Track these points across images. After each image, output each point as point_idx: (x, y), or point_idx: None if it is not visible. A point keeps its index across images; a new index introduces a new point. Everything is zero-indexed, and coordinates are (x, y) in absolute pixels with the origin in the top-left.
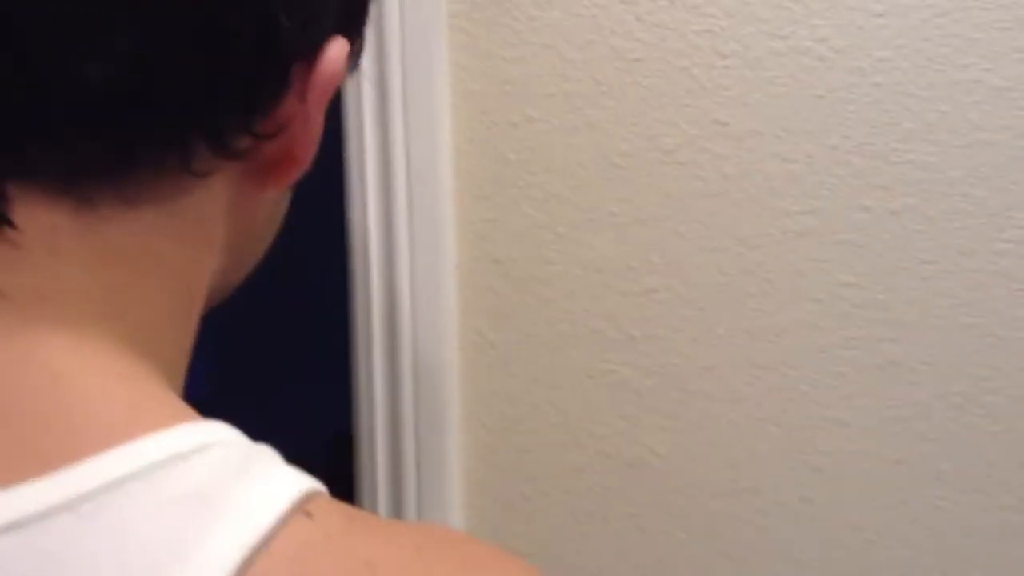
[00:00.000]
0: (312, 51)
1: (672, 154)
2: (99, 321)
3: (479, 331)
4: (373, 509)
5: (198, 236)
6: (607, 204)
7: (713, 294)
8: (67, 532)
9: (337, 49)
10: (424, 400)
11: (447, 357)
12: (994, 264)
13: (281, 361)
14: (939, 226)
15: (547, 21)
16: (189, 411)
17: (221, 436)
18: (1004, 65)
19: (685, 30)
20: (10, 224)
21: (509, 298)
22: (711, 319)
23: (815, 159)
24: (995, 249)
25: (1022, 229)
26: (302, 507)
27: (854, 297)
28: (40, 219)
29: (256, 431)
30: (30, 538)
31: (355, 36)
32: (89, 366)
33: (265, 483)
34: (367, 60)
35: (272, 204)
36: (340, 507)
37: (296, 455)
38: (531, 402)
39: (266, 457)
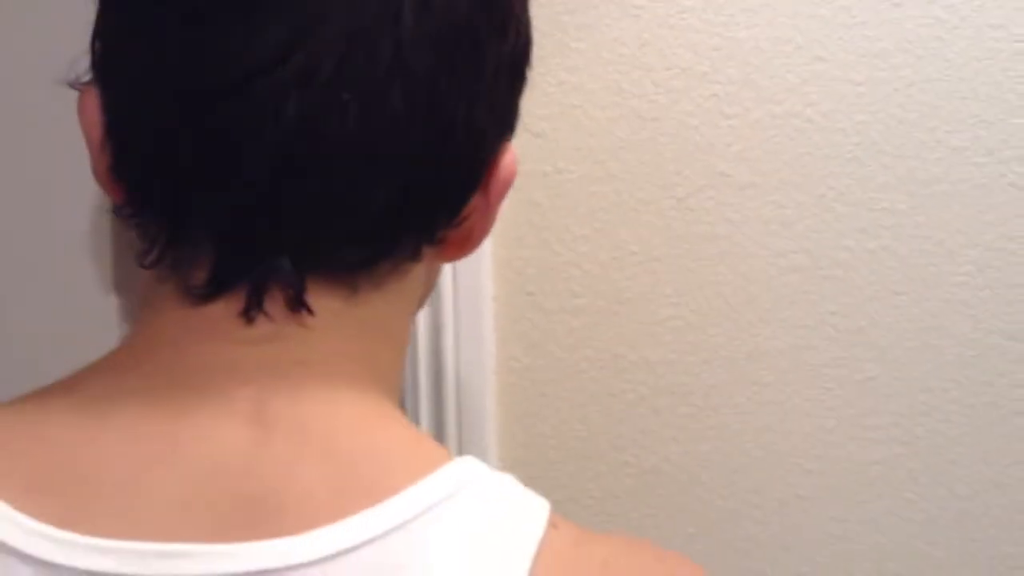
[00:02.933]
0: (496, 157)
1: (683, 201)
2: (366, 378)
3: (514, 356)
4: None
5: (410, 302)
6: (627, 244)
7: (718, 322)
8: (404, 545)
9: (511, 155)
10: (465, 418)
11: (486, 379)
12: (953, 295)
13: None
14: (908, 263)
15: (575, 84)
16: (443, 448)
17: (480, 467)
18: (961, 129)
19: (695, 94)
20: (308, 310)
21: (541, 327)
22: (716, 344)
23: (804, 206)
24: (954, 282)
25: (975, 264)
26: (551, 521)
27: (838, 323)
28: (324, 304)
29: None
30: (378, 551)
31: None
32: (377, 415)
33: (527, 504)
34: None
35: (442, 267)
36: (566, 520)
37: None
38: (560, 419)
39: (513, 481)
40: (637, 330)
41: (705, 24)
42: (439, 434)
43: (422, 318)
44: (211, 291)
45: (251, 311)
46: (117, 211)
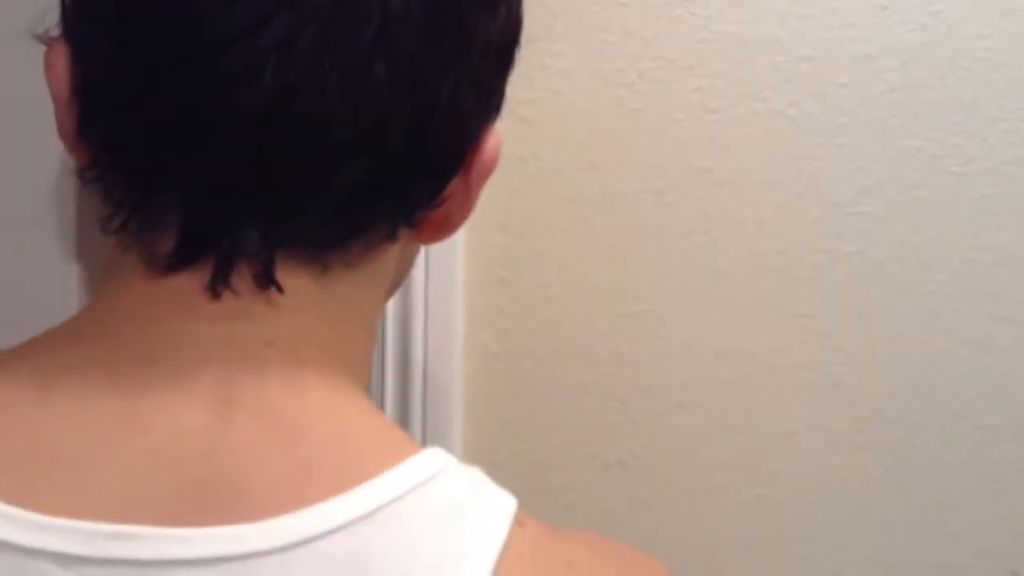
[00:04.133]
0: (479, 139)
1: (662, 195)
2: (335, 362)
3: (483, 343)
4: None
5: (382, 285)
6: (602, 236)
7: (690, 319)
8: (367, 536)
9: (496, 139)
10: (431, 403)
11: (454, 365)
12: (924, 303)
13: None
14: (883, 269)
15: (558, 70)
16: (409, 437)
17: (448, 460)
18: (942, 137)
19: (679, 87)
20: (277, 287)
21: (511, 315)
22: (687, 340)
23: (782, 206)
24: (926, 290)
25: (948, 274)
26: (517, 518)
27: (809, 326)
28: (293, 282)
29: None
30: (340, 541)
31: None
32: (344, 402)
33: (493, 500)
34: None
35: (418, 251)
36: (534, 518)
37: None
38: (526, 408)
39: (481, 476)
40: (608, 322)
41: (692, 16)
42: (404, 418)
43: (392, 301)
44: (176, 261)
45: (217, 286)
46: (81, 173)
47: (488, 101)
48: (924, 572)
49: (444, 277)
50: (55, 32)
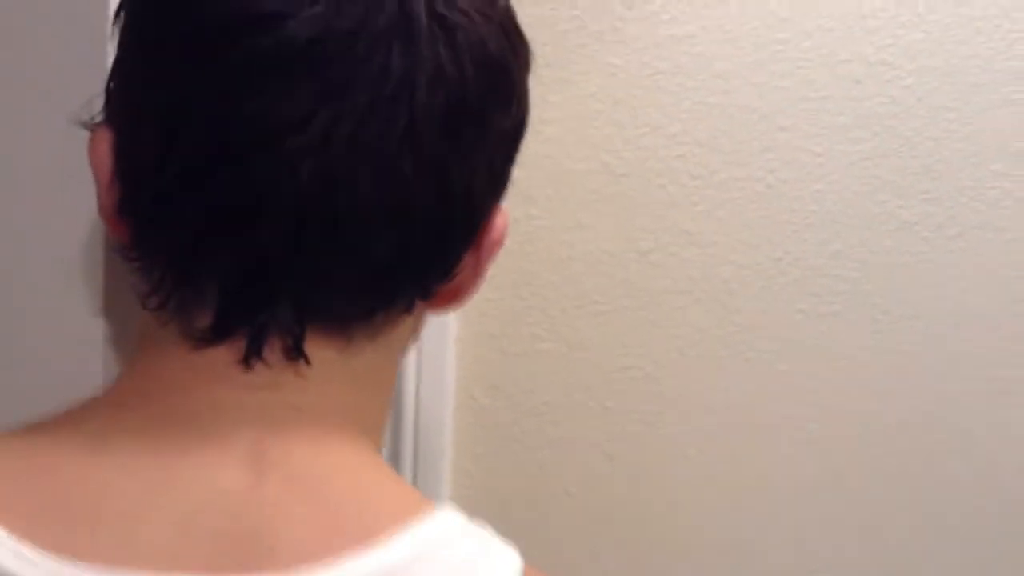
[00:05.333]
0: (490, 217)
1: (647, 255)
2: (355, 426)
3: (473, 396)
4: None
5: (398, 352)
6: (591, 294)
7: (675, 374)
8: None
9: (503, 218)
10: (422, 454)
11: (445, 417)
12: (897, 361)
13: None
14: (857, 329)
15: (549, 136)
16: (421, 495)
17: (460, 519)
18: (912, 204)
19: (664, 154)
20: (306, 359)
21: (501, 369)
22: (672, 396)
23: (761, 268)
24: (900, 351)
25: (921, 335)
26: (524, 573)
27: (787, 382)
28: (320, 354)
29: None
30: None
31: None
32: (363, 463)
33: (502, 557)
34: None
35: (427, 319)
36: (539, 571)
37: None
38: (515, 460)
39: (488, 533)
40: (595, 378)
41: (677, 87)
42: (394, 468)
43: None
44: (213, 337)
45: (250, 358)
46: (121, 251)
47: (498, 182)
48: None
49: (436, 331)
50: (99, 117)
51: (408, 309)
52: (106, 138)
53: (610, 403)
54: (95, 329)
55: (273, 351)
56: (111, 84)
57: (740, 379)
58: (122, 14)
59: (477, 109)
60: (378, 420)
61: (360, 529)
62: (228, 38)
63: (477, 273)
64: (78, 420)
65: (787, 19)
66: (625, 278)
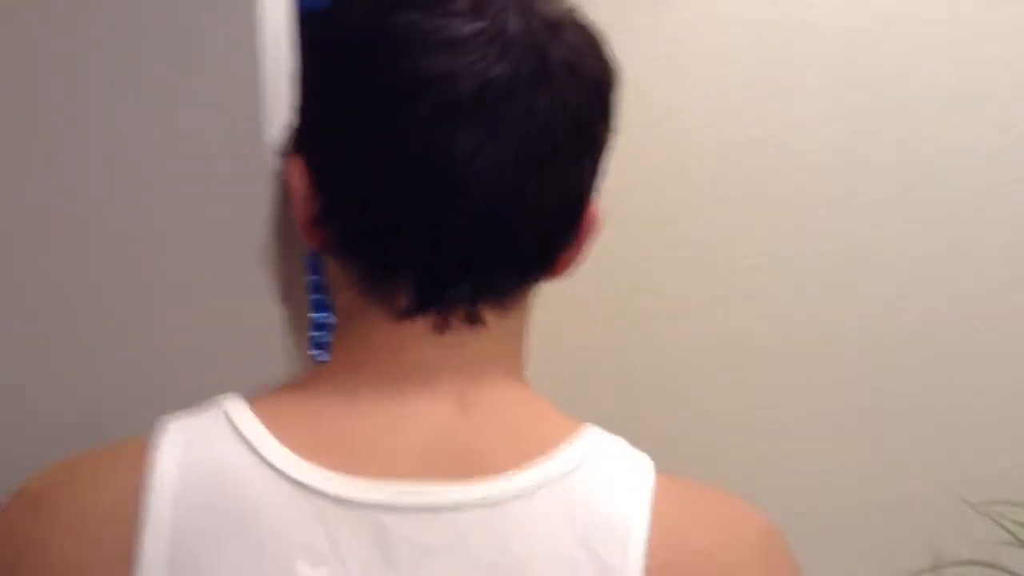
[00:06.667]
0: (591, 208)
1: None
2: (514, 370)
3: None
4: None
5: (529, 313)
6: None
7: None
8: (576, 478)
9: (598, 207)
10: None
11: None
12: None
13: None
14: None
15: None
16: (570, 417)
17: (604, 432)
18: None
19: None
20: (484, 323)
21: None
22: None
23: None
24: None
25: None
26: (655, 469)
27: None
28: (487, 318)
29: None
30: (561, 484)
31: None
32: (529, 397)
33: (640, 456)
34: None
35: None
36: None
37: None
38: None
39: (625, 442)
40: None
41: None
42: None
43: None
44: (413, 312)
45: (441, 325)
46: (325, 250)
47: (599, 178)
48: None
49: None
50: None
51: (539, 280)
52: (298, 165)
53: None
54: (274, 315)
55: (456, 318)
56: (299, 123)
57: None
58: (306, 68)
59: (593, 128)
60: (523, 364)
61: (539, 444)
62: (413, 93)
63: (580, 251)
64: (325, 379)
65: None
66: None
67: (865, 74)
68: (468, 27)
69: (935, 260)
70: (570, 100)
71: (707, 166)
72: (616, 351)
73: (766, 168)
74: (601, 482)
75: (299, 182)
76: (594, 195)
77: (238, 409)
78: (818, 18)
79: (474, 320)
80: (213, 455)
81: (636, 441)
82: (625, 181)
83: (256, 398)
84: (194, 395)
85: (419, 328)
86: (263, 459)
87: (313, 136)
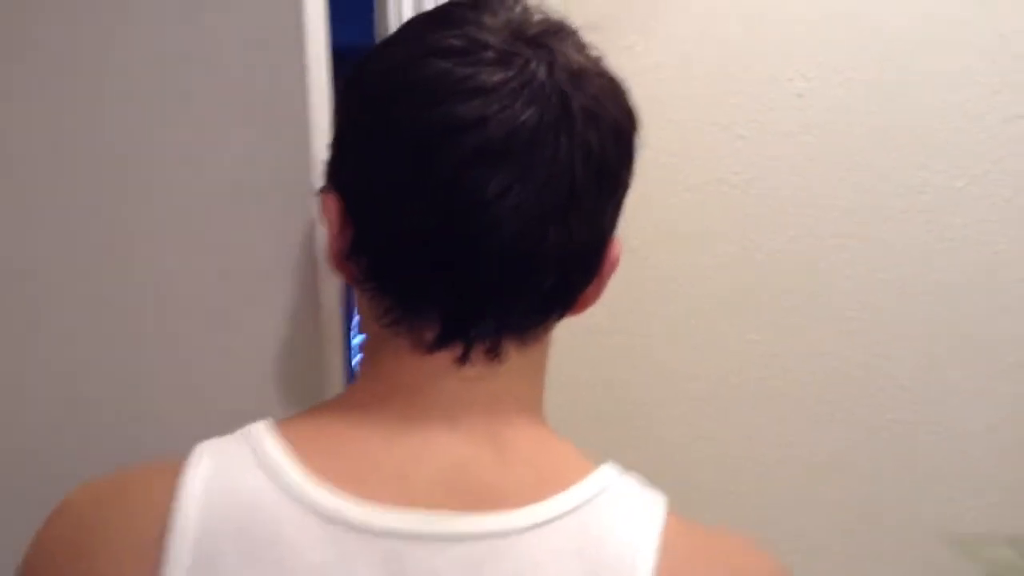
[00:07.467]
0: (610, 246)
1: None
2: (532, 406)
3: None
4: None
5: (548, 349)
6: None
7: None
8: (588, 513)
9: (618, 244)
10: None
11: None
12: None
13: None
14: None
15: None
16: (586, 454)
17: (615, 470)
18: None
19: None
20: (506, 358)
21: None
22: None
23: None
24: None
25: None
26: (668, 509)
27: None
28: (508, 353)
29: None
30: (574, 518)
31: None
32: (544, 432)
33: (653, 493)
34: None
35: None
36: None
37: None
38: None
39: (638, 479)
40: None
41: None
42: None
43: None
44: (437, 346)
45: (464, 359)
46: (354, 283)
47: (619, 217)
48: None
49: None
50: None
51: (560, 317)
52: (332, 199)
53: None
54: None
55: (478, 353)
56: (334, 159)
57: None
58: (343, 108)
59: (615, 172)
60: (541, 397)
61: (558, 480)
62: (447, 136)
63: (600, 287)
64: (350, 407)
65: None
66: None
67: (830, 118)
68: (498, 75)
69: (909, 298)
70: (593, 145)
71: (673, 202)
72: (584, 385)
73: (732, 205)
74: (613, 518)
75: (332, 215)
76: (614, 235)
77: (265, 433)
78: (779, 67)
79: (496, 354)
80: (236, 479)
81: None
82: None
83: (283, 420)
84: (237, 416)
85: (442, 361)
86: (284, 484)
87: (347, 172)
